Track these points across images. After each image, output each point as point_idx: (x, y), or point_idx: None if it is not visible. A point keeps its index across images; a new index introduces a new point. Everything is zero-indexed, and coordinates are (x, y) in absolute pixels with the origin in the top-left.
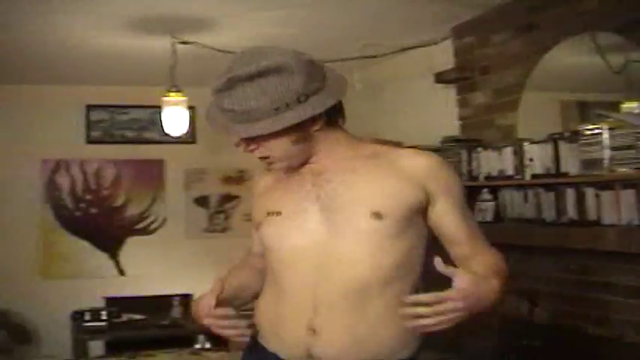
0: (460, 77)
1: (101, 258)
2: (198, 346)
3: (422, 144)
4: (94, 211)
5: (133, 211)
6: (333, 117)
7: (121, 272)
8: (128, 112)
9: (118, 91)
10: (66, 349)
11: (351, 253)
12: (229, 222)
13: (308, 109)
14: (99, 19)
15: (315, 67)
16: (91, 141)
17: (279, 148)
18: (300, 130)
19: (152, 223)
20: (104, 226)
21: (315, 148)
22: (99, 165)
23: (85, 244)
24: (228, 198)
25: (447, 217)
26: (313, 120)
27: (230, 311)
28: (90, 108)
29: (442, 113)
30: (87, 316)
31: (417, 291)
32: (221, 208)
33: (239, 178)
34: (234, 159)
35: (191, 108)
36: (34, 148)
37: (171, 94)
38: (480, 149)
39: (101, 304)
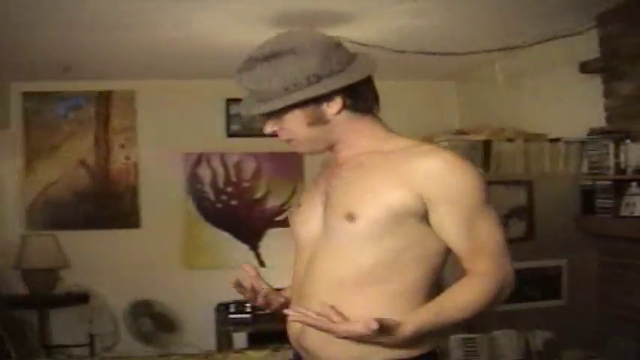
0: (606, 67)
1: (242, 249)
2: None
3: (565, 135)
4: (234, 203)
5: (273, 203)
6: (359, 104)
7: (262, 264)
8: None
9: None
10: (209, 338)
11: (330, 250)
12: None
13: (316, 89)
14: (240, 15)
15: (336, 50)
16: (231, 134)
17: (296, 129)
18: (315, 112)
19: None
20: (245, 218)
21: (335, 135)
22: (239, 158)
23: (227, 236)
24: None
25: (446, 227)
26: (329, 103)
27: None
28: (230, 102)
29: (587, 104)
30: (232, 308)
31: (426, 294)
32: None
33: None
34: None
35: None
36: (177, 142)
37: None
38: (628, 141)
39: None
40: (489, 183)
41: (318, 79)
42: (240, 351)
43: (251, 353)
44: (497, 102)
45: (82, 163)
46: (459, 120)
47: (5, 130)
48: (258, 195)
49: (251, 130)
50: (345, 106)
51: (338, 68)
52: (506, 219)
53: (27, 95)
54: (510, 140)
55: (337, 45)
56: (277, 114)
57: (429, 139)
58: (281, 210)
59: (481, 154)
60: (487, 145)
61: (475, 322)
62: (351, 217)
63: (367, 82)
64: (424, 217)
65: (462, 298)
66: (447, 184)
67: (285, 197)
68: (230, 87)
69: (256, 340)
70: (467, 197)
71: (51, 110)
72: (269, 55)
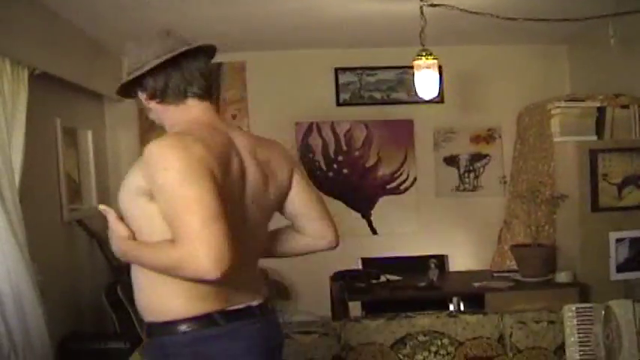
0: None
1: (354, 217)
2: (452, 308)
3: None
4: (346, 171)
5: (384, 170)
6: (158, 95)
7: (374, 231)
8: (376, 74)
9: (365, 53)
10: (323, 306)
11: None
12: (480, 181)
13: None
14: None
15: (140, 49)
16: (340, 103)
17: None
18: (138, 100)
19: (403, 182)
20: (356, 187)
21: (162, 120)
22: (349, 126)
23: (339, 204)
24: (477, 157)
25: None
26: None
27: None
28: (338, 71)
29: None
30: (347, 277)
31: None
32: (471, 167)
33: (488, 136)
34: (483, 118)
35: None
36: (287, 111)
37: (423, 57)
38: None
39: (356, 263)
40: (603, 151)
41: (129, 73)
42: (356, 319)
43: (366, 322)
44: (610, 67)
45: None
46: (571, 85)
47: (119, 104)
48: (370, 163)
49: (361, 99)
50: (148, 97)
51: (138, 65)
52: (620, 187)
53: None
54: (625, 107)
55: (143, 42)
56: None
57: (541, 105)
58: (392, 178)
59: (594, 121)
60: (601, 111)
61: (591, 292)
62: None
63: (175, 74)
64: (153, 197)
65: (156, 249)
66: (149, 171)
67: (396, 165)
68: (338, 56)
69: (371, 309)
70: (160, 182)
71: None
72: None
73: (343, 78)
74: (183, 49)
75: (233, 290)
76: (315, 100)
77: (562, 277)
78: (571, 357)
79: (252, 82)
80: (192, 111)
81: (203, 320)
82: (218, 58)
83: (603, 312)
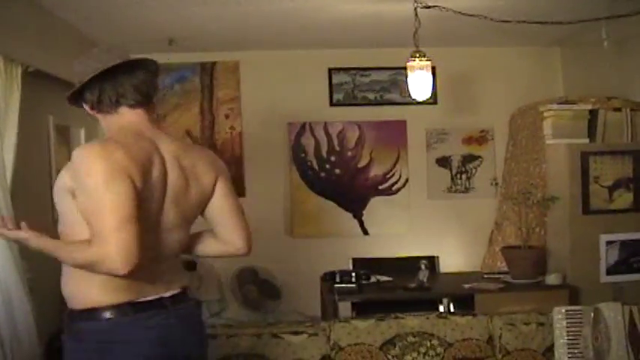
0: None
1: (346, 217)
2: (442, 309)
3: None
4: (338, 171)
5: (376, 171)
6: (96, 106)
7: (365, 232)
8: (369, 75)
9: (359, 53)
10: (313, 306)
11: None
12: (472, 182)
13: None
14: None
15: (83, 65)
16: (334, 103)
17: None
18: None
19: (395, 183)
20: (348, 187)
21: (103, 125)
22: (342, 126)
23: (331, 204)
24: (470, 158)
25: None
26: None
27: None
28: (332, 71)
29: None
30: (337, 277)
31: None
32: (463, 168)
33: (481, 138)
34: (476, 119)
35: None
36: (280, 111)
37: (416, 58)
38: None
39: (347, 264)
40: (594, 153)
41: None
42: (346, 320)
43: (356, 322)
44: (603, 69)
45: (187, 134)
46: (564, 87)
47: None
48: (362, 164)
49: (354, 99)
50: (89, 107)
51: (79, 78)
52: (611, 190)
53: None
54: (617, 110)
55: (83, 59)
56: None
57: (534, 107)
58: (384, 178)
59: (586, 124)
60: (593, 114)
61: (581, 294)
62: None
63: (108, 87)
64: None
65: (72, 249)
66: (75, 174)
67: (388, 165)
68: (332, 56)
69: (361, 310)
70: (83, 185)
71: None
72: None
73: (337, 78)
74: (107, 66)
75: (145, 283)
76: (308, 100)
77: (552, 279)
78: (560, 359)
79: (246, 82)
80: (125, 117)
81: (114, 309)
82: (211, 57)
83: (592, 314)
